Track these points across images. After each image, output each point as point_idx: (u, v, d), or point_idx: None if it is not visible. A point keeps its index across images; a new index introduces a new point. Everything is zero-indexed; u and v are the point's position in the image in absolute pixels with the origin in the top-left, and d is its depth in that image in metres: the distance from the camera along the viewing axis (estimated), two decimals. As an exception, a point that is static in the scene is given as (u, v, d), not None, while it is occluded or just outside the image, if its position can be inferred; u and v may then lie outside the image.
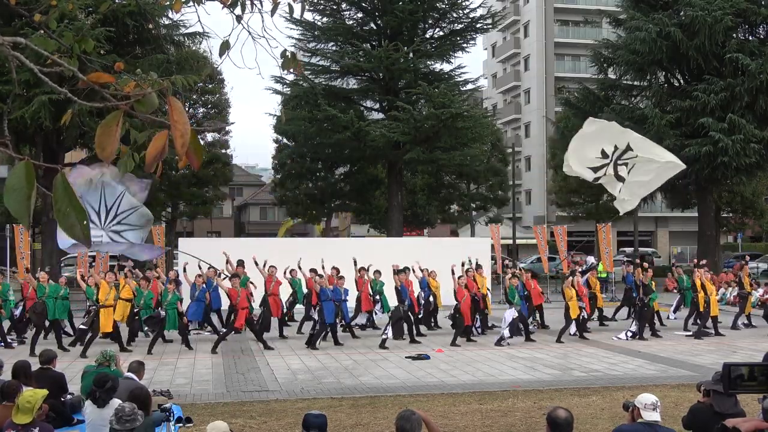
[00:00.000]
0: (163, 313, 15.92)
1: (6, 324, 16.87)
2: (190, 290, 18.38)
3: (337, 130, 31.89)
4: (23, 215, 1.96)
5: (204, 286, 17.91)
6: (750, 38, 32.35)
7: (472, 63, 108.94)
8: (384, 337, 16.16)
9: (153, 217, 12.26)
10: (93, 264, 21.72)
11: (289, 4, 3.77)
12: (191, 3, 3.83)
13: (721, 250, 38.99)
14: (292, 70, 3.57)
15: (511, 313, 16.52)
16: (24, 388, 7.01)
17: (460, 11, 34.51)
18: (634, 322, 17.84)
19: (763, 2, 30.94)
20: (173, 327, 16.29)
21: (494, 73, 64.67)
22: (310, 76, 33.98)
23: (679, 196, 38.27)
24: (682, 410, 7.35)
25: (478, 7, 35.42)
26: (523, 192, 58.30)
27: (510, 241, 38.91)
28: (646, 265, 19.74)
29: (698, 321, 18.37)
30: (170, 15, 27.84)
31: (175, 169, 37.98)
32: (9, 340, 16.49)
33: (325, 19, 34.49)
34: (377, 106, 35.94)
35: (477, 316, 17.70)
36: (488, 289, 20.47)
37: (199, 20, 37.59)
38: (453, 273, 17.85)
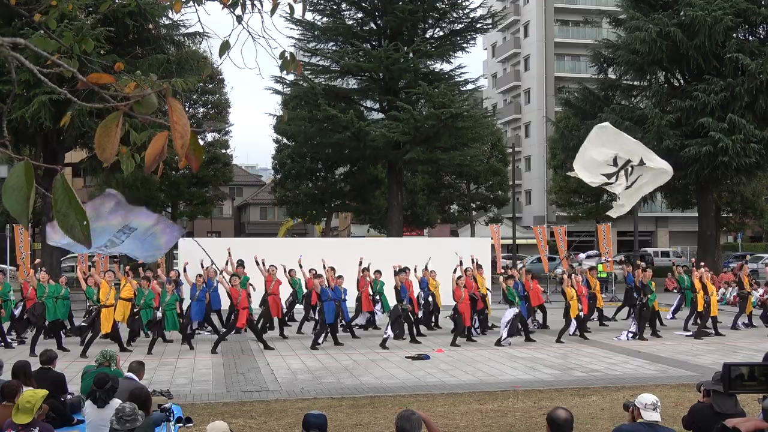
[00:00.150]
0: (159, 314, 15.88)
1: (6, 324, 16.86)
2: (191, 290, 18.37)
3: (337, 130, 31.90)
4: (22, 215, 1.96)
5: (204, 286, 17.91)
6: (750, 38, 32.37)
7: (472, 63, 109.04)
8: (385, 336, 16.16)
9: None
10: (93, 263, 21.72)
11: (289, 5, 3.77)
12: (191, 3, 3.84)
13: (721, 250, 38.98)
14: (291, 71, 3.57)
15: (511, 312, 16.52)
16: (24, 388, 7.02)
17: (460, 11, 34.54)
18: (633, 323, 17.84)
19: (763, 2, 30.94)
20: (172, 328, 16.26)
21: (494, 73, 64.69)
22: (310, 76, 33.99)
23: (679, 196, 38.30)
24: (682, 410, 7.34)
25: (478, 7, 35.45)
26: (523, 192, 58.32)
27: (510, 241, 38.92)
28: (643, 264, 19.72)
29: (698, 321, 18.38)
30: (170, 15, 27.86)
31: (175, 169, 38.04)
32: (9, 340, 16.49)
33: (325, 19, 34.50)
34: (377, 106, 35.96)
35: (476, 317, 17.69)
36: (488, 289, 20.47)
37: (199, 20, 37.58)
38: (455, 271, 17.85)
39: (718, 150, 29.08)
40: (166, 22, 28.99)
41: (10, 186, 1.95)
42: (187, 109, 40.53)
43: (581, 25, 54.99)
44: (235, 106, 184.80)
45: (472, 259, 19.72)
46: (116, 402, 6.70)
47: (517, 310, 16.61)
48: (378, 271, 18.37)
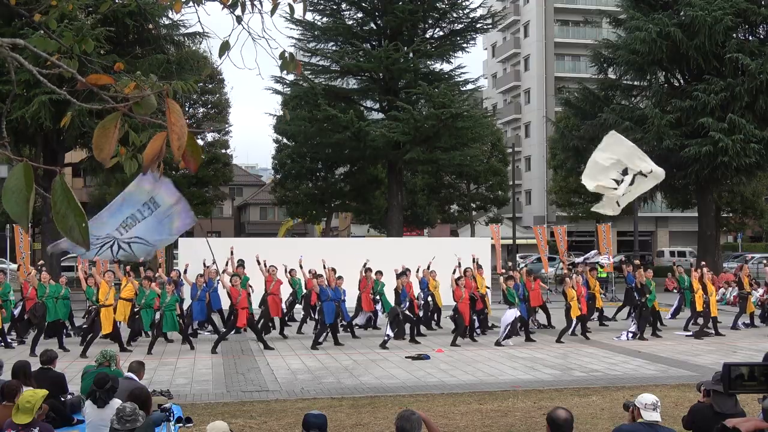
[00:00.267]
0: (158, 316, 15.85)
1: (6, 324, 16.85)
2: (191, 291, 18.37)
3: (337, 130, 31.90)
4: (22, 217, 1.96)
5: (204, 286, 17.91)
6: (750, 38, 32.37)
7: (472, 63, 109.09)
8: (385, 338, 16.16)
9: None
10: (94, 263, 21.71)
11: (289, 5, 3.77)
12: (191, 3, 3.84)
13: (721, 250, 38.98)
14: (291, 71, 3.57)
15: (512, 314, 16.52)
16: (24, 388, 7.02)
17: (460, 11, 34.53)
18: (634, 322, 17.84)
19: (763, 2, 30.94)
20: (172, 329, 16.22)
21: (494, 73, 64.68)
22: (310, 76, 33.99)
23: (679, 196, 38.29)
24: (682, 410, 7.35)
25: (478, 7, 35.45)
26: (523, 192, 58.31)
27: (510, 241, 38.93)
28: (630, 262, 19.69)
29: (698, 321, 18.38)
30: (170, 15, 27.87)
31: (176, 169, 37.98)
32: (9, 340, 16.48)
33: (325, 19, 34.49)
34: (377, 106, 35.96)
35: (475, 317, 17.67)
36: (487, 287, 20.47)
37: (199, 20, 37.55)
38: (454, 272, 17.85)
39: (718, 150, 29.07)
40: (166, 22, 29.00)
41: (10, 188, 1.94)
42: (187, 109, 40.64)
43: (581, 25, 54.97)
44: (235, 106, 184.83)
45: (473, 259, 19.71)
46: (116, 402, 6.70)
47: (518, 313, 16.61)
48: (379, 272, 18.36)
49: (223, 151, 43.85)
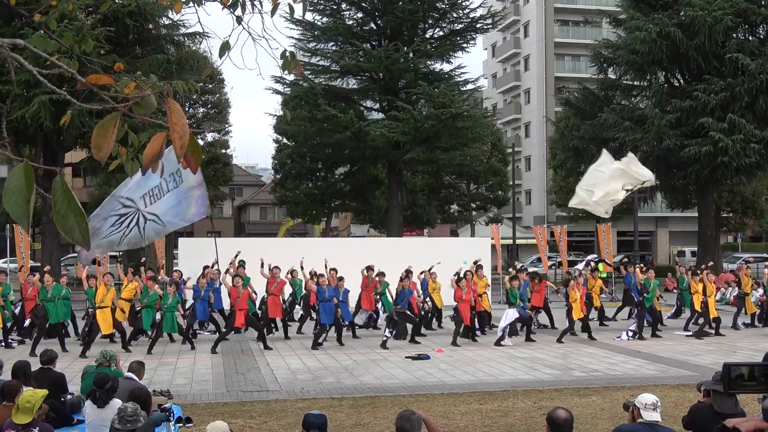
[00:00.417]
0: (158, 316, 15.84)
1: (8, 324, 16.84)
2: (194, 292, 18.36)
3: (337, 130, 31.90)
4: (23, 218, 1.96)
5: (207, 286, 17.88)
6: (750, 38, 32.37)
7: (472, 63, 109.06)
8: (384, 339, 16.16)
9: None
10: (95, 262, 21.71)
11: (289, 5, 3.76)
12: (191, 3, 3.83)
13: (721, 250, 38.98)
14: (292, 71, 3.57)
15: (513, 314, 16.52)
16: (24, 388, 7.01)
17: (460, 11, 34.54)
18: (634, 322, 17.84)
19: (763, 2, 30.94)
20: (170, 330, 16.18)
21: (494, 73, 64.69)
22: (310, 76, 34.00)
23: (679, 196, 38.27)
24: (682, 410, 7.34)
25: (478, 7, 35.46)
26: (523, 192, 58.33)
27: (510, 241, 38.92)
28: (630, 263, 19.68)
29: (698, 322, 18.38)
30: (170, 15, 27.87)
31: (175, 169, 37.95)
32: (9, 340, 16.48)
33: (325, 19, 34.50)
34: (377, 106, 35.97)
35: (474, 317, 17.66)
36: (488, 284, 20.46)
37: (199, 21, 37.54)
38: (456, 275, 17.84)
39: (718, 150, 29.07)
40: (166, 22, 28.99)
41: (10, 188, 1.94)
42: (187, 109, 40.57)
43: (581, 25, 54.99)
44: (235, 106, 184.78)
45: (475, 262, 19.65)
46: (116, 402, 6.70)
47: (518, 314, 16.62)
48: (382, 273, 18.30)
49: (223, 151, 43.85)
